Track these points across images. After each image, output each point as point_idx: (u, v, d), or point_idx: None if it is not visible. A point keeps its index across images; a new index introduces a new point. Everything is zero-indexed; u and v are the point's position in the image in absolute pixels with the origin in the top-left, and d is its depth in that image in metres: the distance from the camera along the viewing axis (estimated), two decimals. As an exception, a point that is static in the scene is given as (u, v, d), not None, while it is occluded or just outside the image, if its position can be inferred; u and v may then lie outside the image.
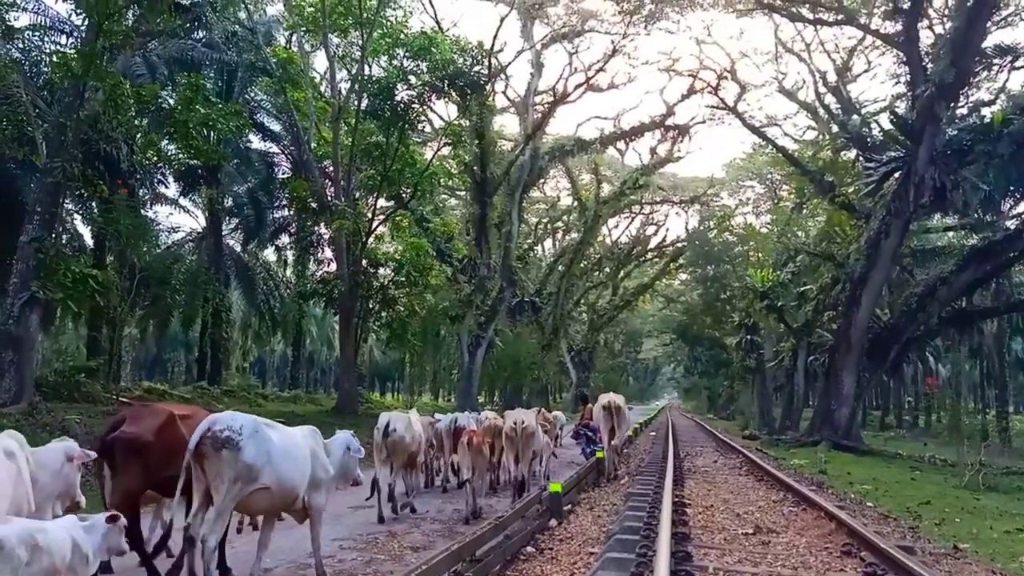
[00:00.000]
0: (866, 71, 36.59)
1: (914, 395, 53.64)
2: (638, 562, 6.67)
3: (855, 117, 33.04)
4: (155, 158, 23.08)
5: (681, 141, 44.93)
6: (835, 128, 34.99)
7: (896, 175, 26.28)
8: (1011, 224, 27.65)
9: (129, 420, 6.95)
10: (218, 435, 6.15)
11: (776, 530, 9.50)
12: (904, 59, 26.93)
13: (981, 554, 8.59)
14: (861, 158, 30.95)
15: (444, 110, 35.60)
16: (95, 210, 23.38)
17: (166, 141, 22.78)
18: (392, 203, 30.65)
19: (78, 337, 38.49)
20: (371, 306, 30.20)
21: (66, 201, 20.43)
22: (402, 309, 32.09)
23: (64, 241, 23.38)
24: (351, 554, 8.70)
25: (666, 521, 8.17)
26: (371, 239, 29.65)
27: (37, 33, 21.26)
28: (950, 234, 35.85)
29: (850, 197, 30.60)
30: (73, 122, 16.82)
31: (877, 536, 8.14)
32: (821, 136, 38.82)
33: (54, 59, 17.95)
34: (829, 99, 35.35)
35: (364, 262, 28.42)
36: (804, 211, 42.26)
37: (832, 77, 35.23)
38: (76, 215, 25.54)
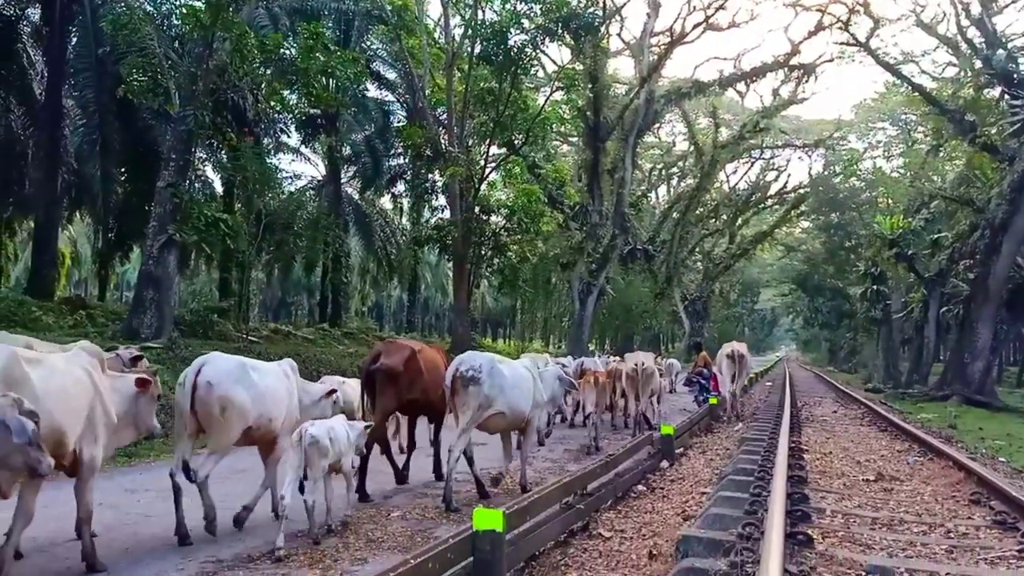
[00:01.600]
0: (1014, 1, 33.42)
1: (1057, 351, 50.18)
2: (752, 500, 6.57)
3: (1000, 51, 30.35)
4: (278, 107, 23.88)
5: (806, 81, 42.54)
6: (978, 64, 32.30)
7: (1046, 113, 24.32)
8: None
9: (384, 354, 8.51)
10: (465, 374, 7.70)
11: (899, 478, 9.15)
12: (1059, -15, 24.62)
13: None
14: (1006, 96, 28.63)
15: (557, 54, 35.17)
16: (224, 158, 24.50)
17: (288, 91, 23.55)
18: (504, 150, 30.69)
19: (211, 280, 40.78)
20: (483, 252, 30.53)
21: (197, 149, 21.47)
22: (513, 256, 32.29)
23: (196, 188, 24.68)
24: (466, 487, 8.99)
25: (782, 462, 8.00)
26: (483, 186, 29.86)
27: (168, -14, 22.17)
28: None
29: (993, 138, 28.44)
30: (203, 72, 17.61)
31: (1009, 486, 7.70)
32: (962, 73, 35.97)
33: (183, 11, 18.71)
34: (972, 32, 32.53)
35: (476, 209, 28.68)
36: (940, 154, 39.63)
37: (976, 8, 32.32)
38: (207, 163, 26.78)
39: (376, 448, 8.62)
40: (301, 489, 6.17)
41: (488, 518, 4.35)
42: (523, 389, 8.16)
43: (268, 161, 24.86)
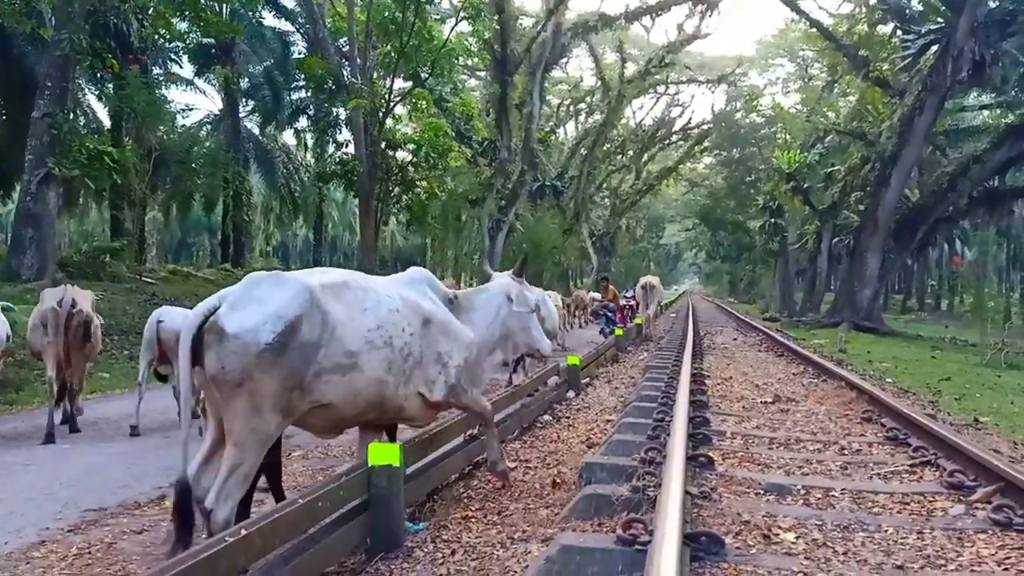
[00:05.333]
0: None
1: (938, 278, 53.24)
2: (655, 426, 6.66)
3: (894, -13, 31.24)
4: (167, 34, 22.47)
5: (710, 16, 42.89)
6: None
7: (934, 48, 25.20)
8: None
9: None
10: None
11: (795, 399, 9.48)
12: (949, -78, 25.28)
13: (1002, 426, 8.50)
14: (898, 31, 29.52)
15: (463, -18, 34.07)
16: (110, 88, 23.03)
17: (176, 16, 22.14)
18: (409, 83, 29.84)
19: (103, 220, 38.74)
20: (390, 189, 29.88)
21: (79, 78, 20.06)
22: (422, 192, 31.73)
23: (82, 122, 23.14)
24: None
25: (684, 388, 8.14)
26: (389, 120, 29.07)
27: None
28: (985, 113, 34.62)
29: (885, 73, 29.40)
30: (78, -8, 16.30)
31: (899, 404, 8.06)
32: (857, 9, 36.84)
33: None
34: (868, -33, 33.32)
35: (382, 144, 27.94)
36: (835, 90, 40.80)
37: (872, -56, 33.06)
38: (90, 94, 25.13)
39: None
40: None
41: (384, 453, 4.20)
42: (555, 316, 12.10)
43: (158, 92, 23.46)
